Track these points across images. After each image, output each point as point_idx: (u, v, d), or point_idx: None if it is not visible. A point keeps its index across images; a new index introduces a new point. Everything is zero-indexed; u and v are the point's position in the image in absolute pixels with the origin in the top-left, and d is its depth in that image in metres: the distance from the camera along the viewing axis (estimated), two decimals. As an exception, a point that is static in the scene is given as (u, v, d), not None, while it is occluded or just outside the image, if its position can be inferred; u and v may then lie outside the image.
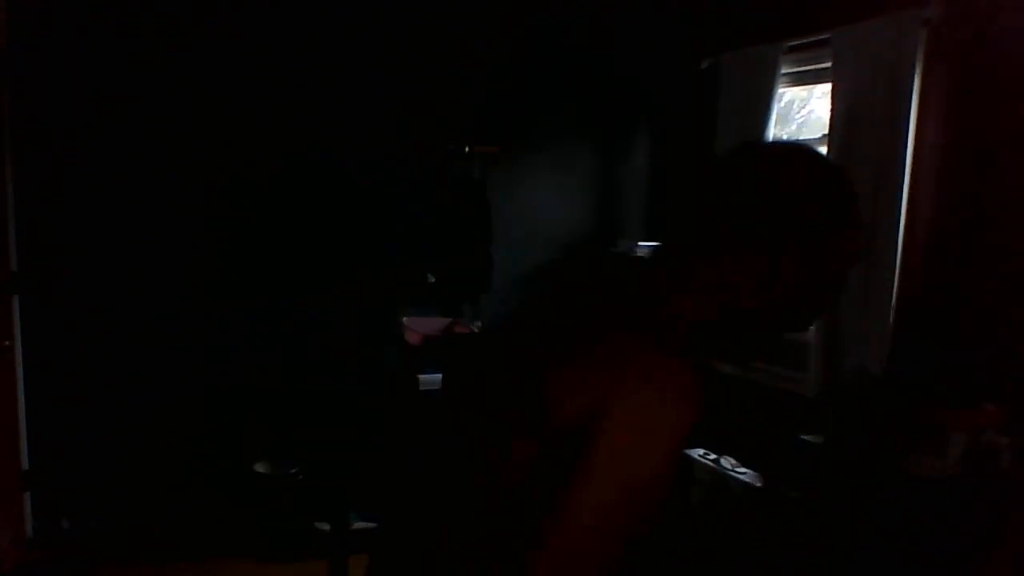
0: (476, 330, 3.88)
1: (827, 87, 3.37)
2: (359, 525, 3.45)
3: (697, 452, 3.44)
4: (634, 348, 0.90)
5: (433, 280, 3.90)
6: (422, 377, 3.64)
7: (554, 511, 0.84)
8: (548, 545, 0.84)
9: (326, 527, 3.39)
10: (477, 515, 0.93)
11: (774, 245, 0.93)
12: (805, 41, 3.48)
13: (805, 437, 2.96)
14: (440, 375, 3.59)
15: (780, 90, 3.69)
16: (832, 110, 3.30)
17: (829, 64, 3.32)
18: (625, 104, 4.32)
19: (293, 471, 3.60)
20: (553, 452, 0.86)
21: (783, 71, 3.63)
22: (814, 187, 0.94)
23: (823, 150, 3.41)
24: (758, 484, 3.13)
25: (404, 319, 3.86)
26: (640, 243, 4.08)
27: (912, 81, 2.95)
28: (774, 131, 3.70)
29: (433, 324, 3.82)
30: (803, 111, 4.08)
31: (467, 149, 3.89)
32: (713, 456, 3.38)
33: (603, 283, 1.04)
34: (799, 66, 3.64)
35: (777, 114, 3.71)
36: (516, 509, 0.88)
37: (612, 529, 0.85)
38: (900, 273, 3.04)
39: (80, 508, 3.43)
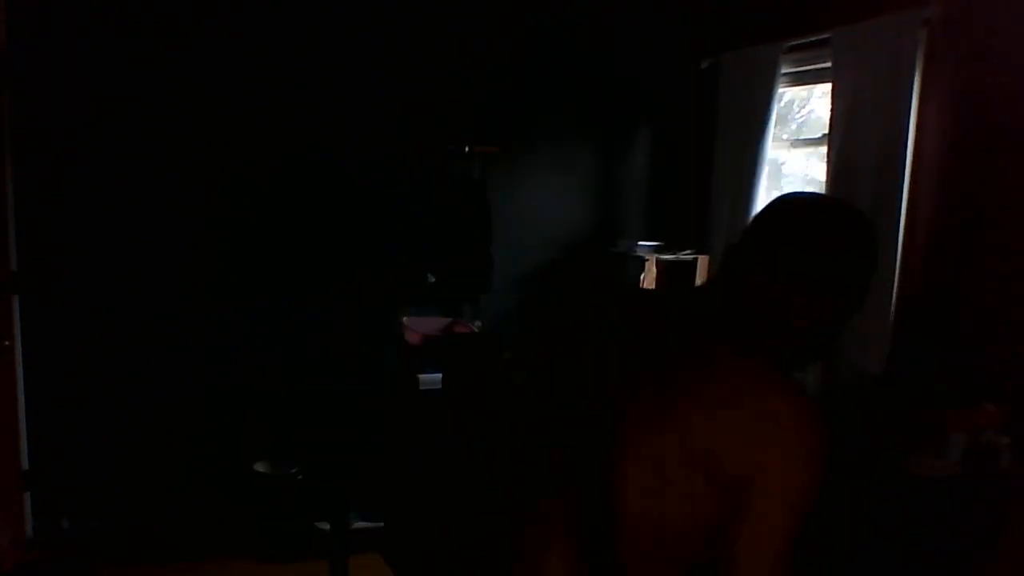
0: (477, 330, 3.89)
1: (827, 87, 3.37)
2: (359, 525, 3.45)
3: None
4: (773, 387, 1.08)
5: (433, 280, 3.90)
6: (422, 377, 3.64)
7: (748, 548, 1.03)
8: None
9: (326, 527, 3.39)
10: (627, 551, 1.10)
11: (836, 292, 1.16)
12: (805, 41, 3.48)
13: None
14: (441, 375, 3.59)
15: (780, 90, 3.68)
16: (832, 110, 3.30)
17: (829, 64, 3.31)
18: (625, 104, 4.32)
19: (293, 471, 3.60)
20: (729, 495, 1.04)
21: (783, 71, 3.63)
22: (871, 254, 1.19)
23: (823, 150, 3.41)
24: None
25: (404, 319, 3.86)
26: (640, 243, 4.08)
27: (912, 81, 2.95)
28: (774, 131, 3.70)
29: (433, 324, 3.82)
30: (803, 111, 4.08)
31: (467, 149, 3.89)
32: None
33: (698, 314, 1.21)
34: (799, 66, 3.64)
35: (777, 114, 3.71)
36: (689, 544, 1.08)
37: (791, 550, 1.04)
38: (900, 273, 3.04)
39: (80, 508, 3.43)
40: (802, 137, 3.89)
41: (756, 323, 1.15)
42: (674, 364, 1.13)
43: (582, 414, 1.20)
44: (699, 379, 1.10)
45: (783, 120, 3.97)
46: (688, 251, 4.06)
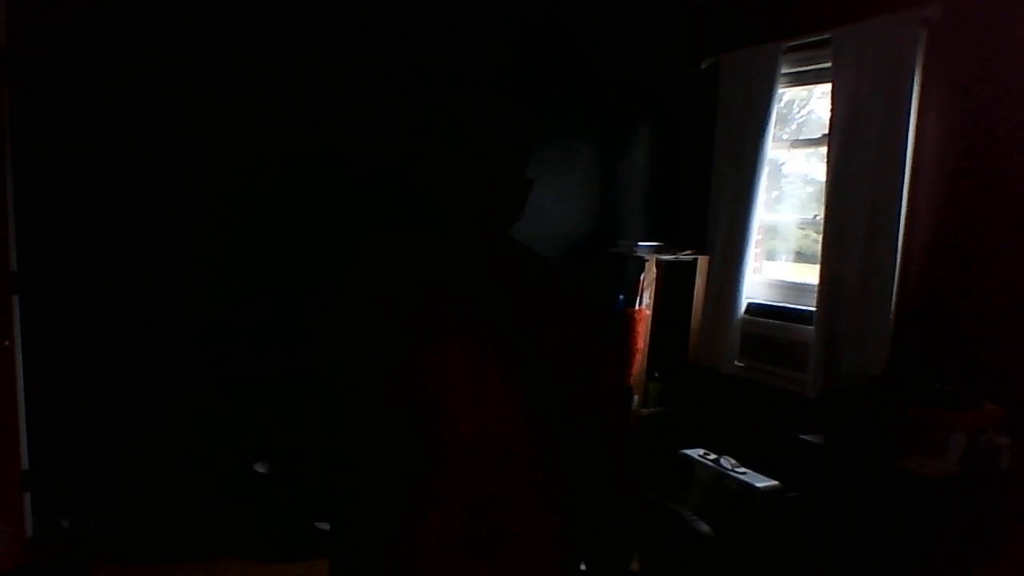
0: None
1: (827, 87, 3.37)
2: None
3: (697, 452, 3.44)
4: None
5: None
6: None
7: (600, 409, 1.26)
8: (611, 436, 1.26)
9: (326, 527, 3.39)
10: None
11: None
12: (805, 41, 3.48)
13: (805, 437, 2.96)
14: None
15: (780, 90, 3.69)
16: (832, 110, 3.30)
17: (829, 64, 3.32)
18: (625, 104, 4.32)
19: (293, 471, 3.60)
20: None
21: (783, 71, 3.64)
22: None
23: (823, 150, 3.41)
24: (758, 485, 3.13)
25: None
26: (640, 243, 4.08)
27: (912, 81, 2.95)
28: (774, 131, 3.71)
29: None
30: (803, 111, 4.08)
31: (467, 149, 3.88)
32: (713, 456, 3.38)
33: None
34: (799, 66, 3.64)
35: (777, 114, 3.71)
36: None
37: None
38: (900, 273, 3.05)
39: (80, 508, 3.43)
40: (802, 137, 3.89)
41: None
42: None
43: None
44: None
45: (783, 120, 3.97)
46: (688, 251, 4.06)
